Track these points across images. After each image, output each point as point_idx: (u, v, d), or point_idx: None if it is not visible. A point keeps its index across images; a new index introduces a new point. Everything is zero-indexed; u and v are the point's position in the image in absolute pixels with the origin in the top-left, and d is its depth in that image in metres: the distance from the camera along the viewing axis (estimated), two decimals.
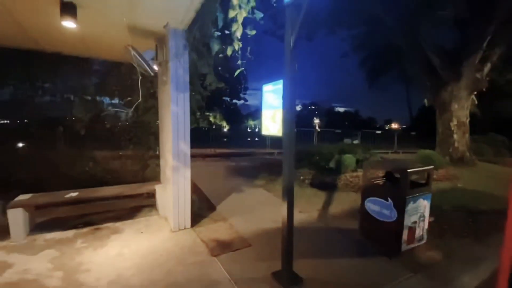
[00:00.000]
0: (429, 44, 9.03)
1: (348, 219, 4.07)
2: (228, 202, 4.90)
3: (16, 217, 3.18)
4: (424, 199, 3.07)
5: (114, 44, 3.86)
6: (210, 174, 7.70)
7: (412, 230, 3.01)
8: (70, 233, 3.42)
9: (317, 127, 17.12)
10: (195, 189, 5.36)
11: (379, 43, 12.44)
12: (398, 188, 2.98)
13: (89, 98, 4.85)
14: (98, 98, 4.96)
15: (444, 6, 8.90)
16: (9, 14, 2.93)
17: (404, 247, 2.97)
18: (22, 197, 3.45)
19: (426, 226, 3.19)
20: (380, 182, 3.45)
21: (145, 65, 3.28)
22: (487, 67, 8.95)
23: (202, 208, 4.50)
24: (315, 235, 3.56)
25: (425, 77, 9.83)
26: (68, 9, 2.66)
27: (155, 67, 3.45)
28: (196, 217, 3.92)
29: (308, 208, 4.59)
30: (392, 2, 8.55)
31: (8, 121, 4.56)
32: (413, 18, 8.89)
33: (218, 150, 13.42)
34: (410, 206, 2.92)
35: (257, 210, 4.49)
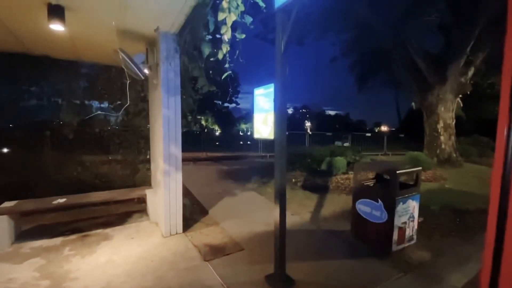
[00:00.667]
0: (415, 49, 9.30)
1: (340, 221, 4.11)
2: (220, 206, 4.87)
3: (1, 225, 3.07)
4: (413, 199, 3.14)
5: (103, 47, 3.81)
6: (201, 178, 7.64)
7: (402, 230, 3.07)
8: (57, 240, 3.32)
9: (308, 130, 17.26)
10: (187, 193, 5.31)
11: (368, 47, 12.71)
12: (388, 190, 3.04)
13: (78, 102, 4.75)
14: (86, 102, 4.87)
15: (429, 12, 9.19)
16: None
17: (395, 247, 3.02)
18: (6, 204, 3.34)
19: (415, 226, 3.26)
20: (371, 183, 3.51)
21: (136, 69, 3.25)
22: (471, 71, 9.27)
23: (194, 212, 4.45)
24: (308, 237, 3.58)
25: (413, 81, 10.09)
26: (56, 12, 2.61)
27: (146, 71, 3.42)
28: (188, 222, 3.88)
29: (300, 210, 4.62)
30: (380, 6, 8.78)
31: None
32: (400, 22, 9.14)
33: (210, 154, 13.35)
34: (400, 207, 2.98)
35: (250, 213, 4.48)
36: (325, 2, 8.69)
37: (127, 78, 3.21)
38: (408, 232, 3.17)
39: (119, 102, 4.62)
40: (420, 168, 3.34)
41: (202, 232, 3.65)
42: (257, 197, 5.58)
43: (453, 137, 9.41)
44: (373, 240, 3.17)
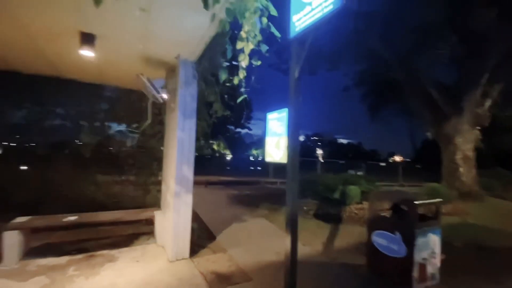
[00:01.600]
0: (428, 79, 9.34)
1: (355, 254, 3.87)
2: (228, 232, 4.73)
3: (11, 240, 3.09)
4: (434, 233, 2.94)
5: (126, 72, 4.05)
6: (211, 202, 7.55)
7: (423, 267, 2.84)
8: (63, 259, 3.28)
9: (320, 158, 17.05)
10: (195, 218, 5.21)
11: (380, 78, 12.90)
12: (407, 221, 2.87)
13: (98, 123, 4.96)
14: (106, 123, 5.07)
15: (441, 44, 9.35)
16: (33, 42, 3.14)
17: (416, 285, 2.78)
18: (19, 219, 3.38)
19: (438, 264, 3.01)
20: (387, 214, 3.34)
21: (155, 93, 3.41)
22: (487, 102, 9.12)
23: (201, 237, 4.33)
24: (320, 270, 3.36)
25: (427, 111, 10.00)
26: (87, 39, 2.85)
27: (164, 96, 3.58)
28: (195, 247, 3.77)
29: (312, 241, 4.40)
30: (391, 39, 9.04)
31: (16, 144, 4.63)
32: (411, 54, 9.31)
33: (221, 178, 13.32)
34: (420, 241, 2.79)
35: (259, 241, 4.32)
36: (337, 34, 9.05)
37: (149, 98, 3.36)
38: (430, 269, 2.92)
39: (136, 125, 4.79)
40: (441, 199, 3.17)
41: (209, 259, 3.52)
42: (267, 224, 5.41)
43: (473, 170, 9.01)
44: (391, 275, 2.94)
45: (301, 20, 2.26)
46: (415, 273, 2.77)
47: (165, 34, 2.88)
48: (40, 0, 2.33)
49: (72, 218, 3.56)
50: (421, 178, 13.76)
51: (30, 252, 3.41)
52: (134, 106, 5.12)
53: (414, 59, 9.42)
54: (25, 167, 4.52)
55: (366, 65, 12.60)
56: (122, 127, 5.19)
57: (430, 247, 2.91)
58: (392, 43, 9.21)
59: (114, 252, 3.58)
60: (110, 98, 5.08)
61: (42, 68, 4.07)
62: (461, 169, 8.90)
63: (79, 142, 4.80)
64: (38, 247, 3.59)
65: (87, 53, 2.96)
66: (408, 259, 2.76)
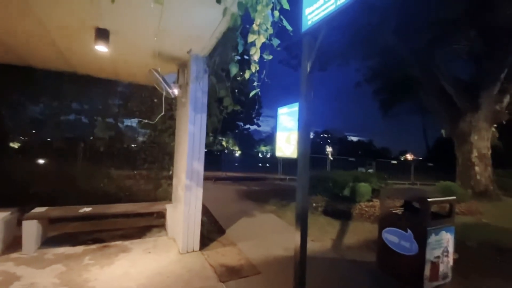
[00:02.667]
0: (444, 75, 9.06)
1: (364, 251, 3.84)
2: (237, 226, 4.78)
3: (30, 229, 3.22)
4: (447, 232, 2.88)
5: (139, 68, 4.12)
6: (220, 197, 7.63)
7: (435, 265, 2.79)
8: (79, 249, 3.40)
9: (330, 155, 16.89)
10: (205, 212, 5.29)
11: (393, 74, 12.59)
12: (419, 219, 2.82)
13: (111, 118, 5.07)
14: (119, 118, 5.18)
15: (459, 39, 9.03)
16: (50, 38, 3.23)
17: (427, 284, 2.74)
18: (38, 209, 3.52)
19: (450, 263, 2.95)
20: (399, 211, 3.29)
21: (167, 88, 3.45)
22: (506, 99, 8.78)
23: (211, 231, 4.40)
24: (329, 266, 3.36)
25: (441, 108, 9.72)
26: (102, 35, 2.90)
27: (175, 91, 3.62)
28: (205, 240, 3.83)
29: (322, 237, 4.39)
30: (406, 34, 8.79)
31: (33, 138, 4.78)
32: (428, 49, 9.04)
33: (229, 174, 13.41)
34: (432, 239, 2.74)
35: (267, 236, 4.34)
36: (349, 29, 8.88)
37: (162, 92, 3.41)
38: (442, 268, 2.87)
39: (147, 121, 4.87)
40: (455, 197, 3.09)
41: (218, 252, 3.57)
42: (276, 219, 5.42)
43: (489, 168, 8.73)
44: (401, 274, 2.91)
45: (313, 13, 2.23)
46: (427, 272, 2.73)
47: (178, 29, 2.91)
48: None
49: (87, 209, 3.68)
50: (434, 176, 13.42)
51: (48, 241, 3.56)
52: (146, 101, 5.21)
53: (430, 54, 9.14)
54: (42, 161, 4.68)
55: (378, 60, 12.33)
56: (135, 122, 5.29)
57: (443, 245, 2.85)
58: (407, 37, 8.96)
59: (127, 243, 3.68)
60: (123, 94, 5.18)
61: (58, 64, 4.18)
62: (476, 168, 8.64)
63: (94, 136, 4.93)
64: (55, 237, 3.74)
65: (101, 48, 3.02)
66: (420, 257, 2.72)
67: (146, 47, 3.37)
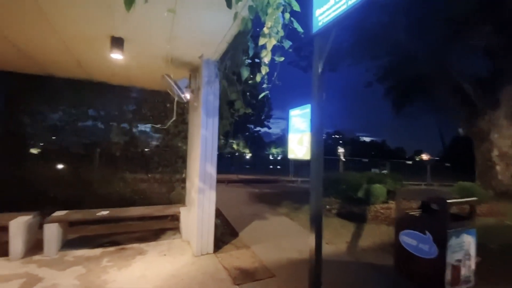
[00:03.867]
0: (460, 72, 8.78)
1: (381, 254, 3.76)
2: (250, 229, 4.78)
3: (51, 232, 3.33)
4: (468, 234, 2.77)
5: (152, 74, 4.22)
6: (232, 199, 7.65)
7: (456, 269, 2.69)
8: (97, 251, 3.50)
9: (342, 156, 16.63)
10: (218, 215, 5.31)
11: (405, 72, 12.30)
12: (438, 221, 2.73)
13: (126, 123, 5.21)
14: (133, 123, 5.32)
15: (475, 34, 8.73)
16: (67, 47, 3.36)
17: None
18: (58, 213, 3.65)
19: (472, 266, 2.84)
20: (416, 213, 3.19)
21: (180, 92, 3.51)
22: None
23: (224, 234, 4.42)
24: (345, 270, 3.30)
25: (458, 106, 9.41)
26: (117, 43, 3.00)
27: (187, 95, 3.68)
28: (219, 243, 3.85)
29: (336, 240, 4.33)
30: (419, 31, 8.60)
31: (53, 144, 4.97)
32: (442, 46, 8.79)
33: (241, 176, 13.44)
34: (453, 241, 2.64)
35: (281, 238, 4.31)
36: (360, 28, 8.77)
37: (173, 99, 3.47)
38: (464, 272, 2.76)
39: (160, 125, 4.97)
40: (475, 198, 2.98)
41: (232, 255, 3.58)
42: (289, 222, 5.38)
43: (511, 167, 8.36)
44: (421, 277, 2.81)
45: (324, 14, 2.22)
46: (448, 276, 2.63)
47: (189, 35, 2.96)
48: (75, 8, 2.48)
49: (104, 212, 3.78)
50: (452, 177, 12.97)
51: (67, 244, 3.68)
52: (159, 106, 5.32)
53: (445, 51, 8.88)
54: (61, 166, 4.86)
55: (390, 59, 12.08)
56: (148, 127, 5.41)
57: (464, 248, 2.74)
58: (420, 35, 8.75)
59: (143, 245, 3.75)
60: (137, 99, 5.32)
61: (75, 72, 4.35)
62: (497, 167, 8.30)
63: (109, 141, 5.07)
64: (74, 239, 3.86)
65: (117, 56, 3.12)
66: (440, 261, 2.63)
67: (159, 53, 3.45)
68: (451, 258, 2.64)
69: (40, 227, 3.45)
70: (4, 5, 2.45)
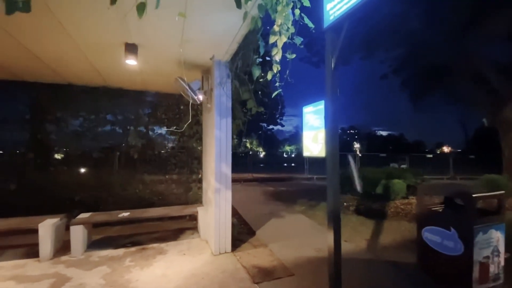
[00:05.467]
0: (481, 60, 8.33)
1: (403, 251, 3.65)
2: (267, 228, 4.78)
3: (77, 234, 3.49)
4: (496, 229, 2.64)
5: (165, 77, 4.30)
6: (248, 198, 7.69)
7: (484, 266, 2.57)
8: (120, 251, 3.63)
9: (358, 152, 16.26)
10: (234, 214, 5.36)
11: (422, 63, 11.81)
12: (463, 216, 2.62)
13: (143, 126, 5.37)
14: (149, 126, 5.46)
15: (496, 19, 8.23)
16: (84, 55, 3.49)
17: (476, 286, 2.53)
18: (83, 215, 3.82)
19: (502, 263, 2.70)
20: (439, 209, 3.08)
21: (192, 94, 3.56)
22: None
23: (241, 232, 4.45)
24: (366, 268, 3.23)
25: (481, 95, 8.94)
26: (131, 49, 3.08)
27: (200, 97, 3.73)
28: (236, 242, 3.88)
29: (355, 237, 4.25)
30: (434, 19, 8.23)
31: (75, 149, 5.20)
32: (459, 34, 8.38)
33: (255, 175, 13.47)
34: (480, 238, 2.52)
35: (298, 237, 4.29)
36: (373, 19, 8.51)
37: (189, 100, 3.53)
38: (493, 269, 2.63)
39: (175, 128, 5.07)
40: (503, 192, 2.82)
41: (250, 253, 3.60)
42: (305, 220, 5.34)
43: None
44: (447, 276, 2.71)
45: (335, 7, 2.17)
46: (475, 273, 2.52)
47: (200, 38, 2.99)
48: (90, 17, 2.57)
49: (125, 214, 3.91)
50: (476, 169, 12.36)
51: (92, 244, 3.84)
52: (173, 109, 5.44)
53: (464, 38, 8.45)
54: (84, 170, 5.08)
55: (405, 50, 11.64)
56: (164, 129, 5.54)
57: (493, 244, 2.62)
58: (436, 23, 8.38)
59: (163, 245, 3.85)
60: (152, 103, 5.45)
61: (92, 79, 4.51)
62: None
63: (127, 145, 5.24)
64: (98, 240, 4.02)
65: (131, 62, 3.20)
66: (467, 258, 2.52)
67: (171, 57, 3.52)
68: (479, 255, 2.52)
69: (67, 229, 3.62)
70: (27, 22, 2.60)
